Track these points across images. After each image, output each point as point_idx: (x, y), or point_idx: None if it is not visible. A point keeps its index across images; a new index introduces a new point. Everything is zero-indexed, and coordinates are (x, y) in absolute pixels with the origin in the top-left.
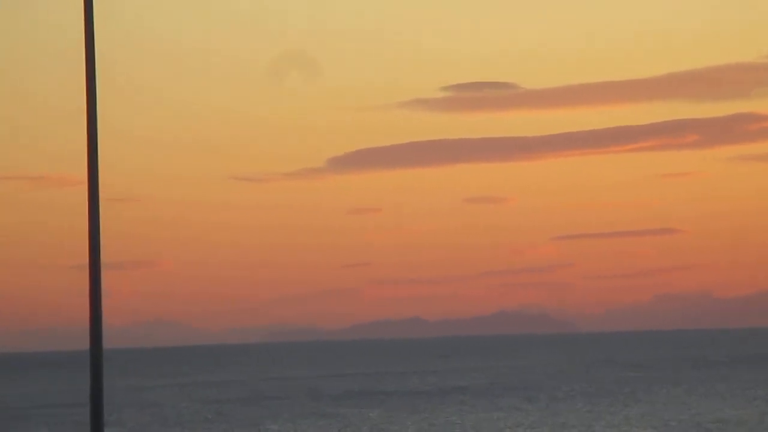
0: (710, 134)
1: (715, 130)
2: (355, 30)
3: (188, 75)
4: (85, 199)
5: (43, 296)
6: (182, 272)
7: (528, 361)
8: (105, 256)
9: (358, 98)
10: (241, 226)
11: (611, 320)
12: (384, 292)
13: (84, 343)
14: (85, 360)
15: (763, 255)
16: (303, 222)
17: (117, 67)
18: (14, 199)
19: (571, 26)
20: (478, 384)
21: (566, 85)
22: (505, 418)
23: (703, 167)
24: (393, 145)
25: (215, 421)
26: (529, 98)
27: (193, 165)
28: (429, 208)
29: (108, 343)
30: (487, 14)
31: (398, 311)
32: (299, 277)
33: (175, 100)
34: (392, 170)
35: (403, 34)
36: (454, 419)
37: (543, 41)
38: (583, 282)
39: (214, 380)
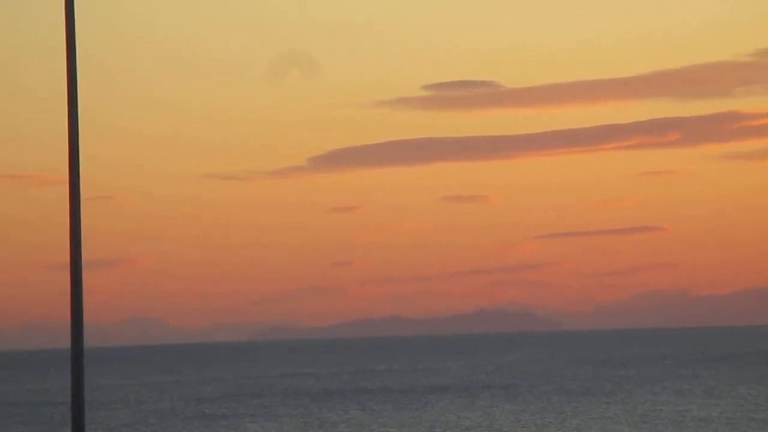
0: (693, 133)
1: (698, 129)
2: (335, 27)
3: (174, 72)
4: (65, 197)
5: (25, 294)
6: (164, 270)
7: (509, 360)
8: (86, 254)
9: (340, 96)
10: (224, 224)
11: (594, 318)
12: (366, 291)
13: (65, 341)
14: (67, 358)
15: (744, 254)
16: (285, 220)
17: (99, 61)
18: None
19: (554, 25)
20: (460, 382)
21: (548, 83)
22: (486, 416)
23: (686, 166)
24: (374, 143)
25: (196, 419)
26: (511, 97)
27: (176, 163)
28: (410, 206)
29: (89, 341)
30: (469, 12)
31: (380, 309)
32: (281, 276)
33: (160, 97)
34: (373, 169)
35: (386, 32)
36: (434, 417)
37: (525, 39)
38: (565, 280)
39: (196, 379)
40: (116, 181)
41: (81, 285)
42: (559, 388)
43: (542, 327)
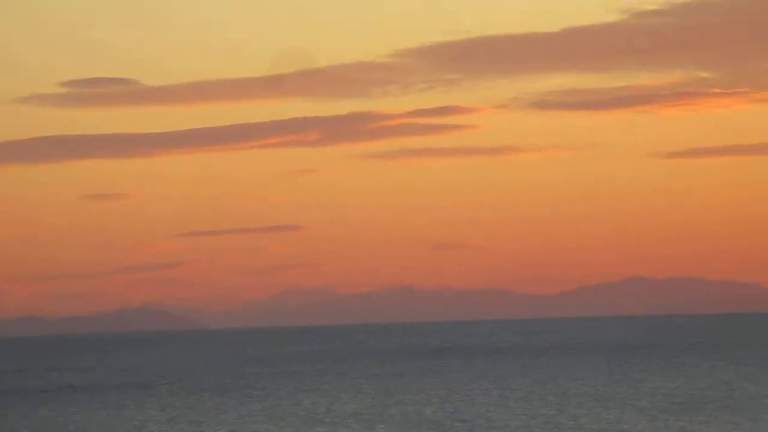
0: (332, 132)
1: (337, 129)
2: None
3: None
4: None
5: None
6: None
7: (149, 358)
8: None
9: None
10: None
11: (236, 317)
12: (0, 290)
13: None
14: None
15: (383, 251)
16: None
17: None
18: None
19: (193, 23)
20: (98, 381)
21: (189, 81)
22: (122, 416)
23: (325, 165)
24: (8, 141)
25: None
26: (150, 95)
27: None
28: (47, 204)
29: None
30: (113, 10)
31: (15, 309)
32: None
33: None
34: (8, 166)
35: (21, 28)
36: (64, 418)
37: (163, 37)
38: (207, 278)
39: None
40: None
41: None
42: (204, 386)
43: (183, 326)
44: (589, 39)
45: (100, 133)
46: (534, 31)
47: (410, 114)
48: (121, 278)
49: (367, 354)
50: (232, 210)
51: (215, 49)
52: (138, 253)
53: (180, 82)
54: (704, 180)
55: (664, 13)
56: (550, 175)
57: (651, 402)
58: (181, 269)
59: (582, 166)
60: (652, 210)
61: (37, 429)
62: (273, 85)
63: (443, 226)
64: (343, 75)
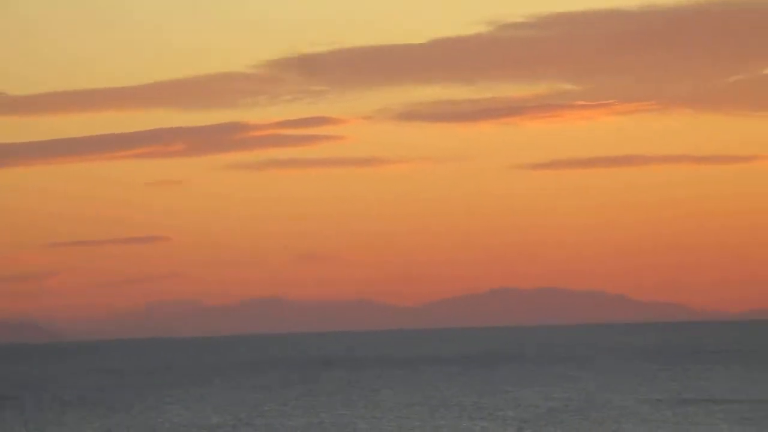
0: (198, 143)
1: (203, 139)
2: None
3: None
4: None
5: None
6: None
7: (9, 371)
8: None
9: None
10: None
11: (102, 328)
12: None
13: None
14: None
15: (249, 262)
16: None
17: None
18: None
19: (56, 32)
20: None
21: (52, 92)
22: None
23: (192, 175)
24: None
25: None
26: (14, 105)
27: None
28: None
29: None
30: None
31: None
32: None
33: None
34: None
35: None
36: None
37: (28, 47)
38: (72, 290)
39: None
40: None
41: None
42: (65, 400)
43: (45, 338)
44: (456, 50)
45: None
46: (401, 42)
47: (278, 125)
48: None
49: (233, 366)
50: (96, 221)
51: (78, 59)
52: (1, 264)
53: (43, 92)
54: (569, 191)
55: (530, 25)
56: (416, 187)
57: (516, 412)
58: (43, 281)
59: (448, 177)
60: (517, 221)
61: None
62: (138, 95)
63: (311, 237)
64: (209, 85)
